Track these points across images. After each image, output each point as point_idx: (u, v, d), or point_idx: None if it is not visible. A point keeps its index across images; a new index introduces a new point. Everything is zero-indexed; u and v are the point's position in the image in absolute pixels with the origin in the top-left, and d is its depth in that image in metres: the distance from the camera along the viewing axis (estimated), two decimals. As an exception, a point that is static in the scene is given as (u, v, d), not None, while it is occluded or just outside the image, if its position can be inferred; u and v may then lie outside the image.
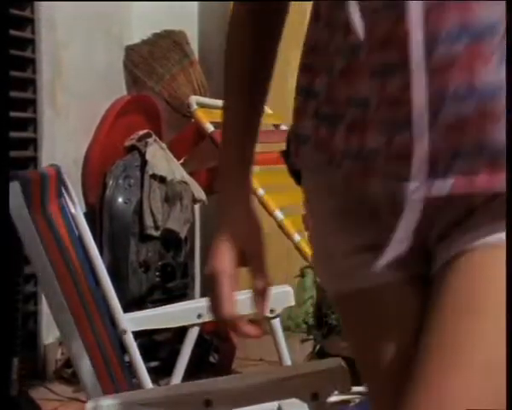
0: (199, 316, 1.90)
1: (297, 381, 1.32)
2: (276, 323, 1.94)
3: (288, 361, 1.94)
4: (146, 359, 1.89)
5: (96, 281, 1.75)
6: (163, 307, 1.98)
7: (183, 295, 3.55)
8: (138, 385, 1.82)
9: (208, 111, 2.74)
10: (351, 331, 1.08)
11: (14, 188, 1.40)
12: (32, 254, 1.41)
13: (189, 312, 1.91)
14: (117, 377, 1.61)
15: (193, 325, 1.90)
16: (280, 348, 1.95)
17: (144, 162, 3.42)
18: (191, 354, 1.92)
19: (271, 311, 1.92)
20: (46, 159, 3.21)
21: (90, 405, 1.37)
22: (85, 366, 1.43)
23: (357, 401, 1.78)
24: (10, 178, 1.40)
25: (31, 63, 3.20)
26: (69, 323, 1.42)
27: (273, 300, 1.95)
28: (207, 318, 1.92)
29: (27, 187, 1.44)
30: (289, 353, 1.96)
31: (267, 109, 3.00)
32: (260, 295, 1.08)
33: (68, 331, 1.42)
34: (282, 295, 1.95)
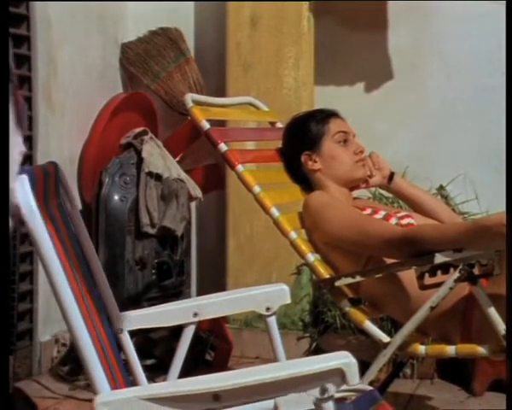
0: (195, 314, 1.89)
1: (307, 375, 1.31)
2: (273, 320, 1.93)
3: (283, 359, 1.94)
4: (142, 357, 1.89)
5: (93, 279, 1.74)
6: (159, 305, 1.97)
7: (179, 293, 3.55)
8: (134, 383, 1.82)
9: (204, 109, 2.73)
10: None
11: (24, 182, 1.38)
12: (42, 249, 1.39)
13: (186, 310, 1.90)
14: (116, 374, 1.60)
15: (189, 324, 1.90)
16: (276, 346, 1.94)
17: (140, 160, 3.42)
18: (187, 352, 1.91)
19: (267, 309, 1.92)
20: (41, 156, 3.20)
21: (99, 399, 1.34)
22: (93, 360, 1.41)
23: (353, 398, 1.78)
24: (19, 172, 1.38)
25: (26, 61, 3.19)
26: (77, 316, 1.40)
27: (269, 297, 1.96)
28: (203, 316, 1.92)
29: (35, 182, 1.43)
30: (285, 350, 1.95)
31: (263, 107, 3.00)
32: None
33: (76, 324, 1.41)
34: (278, 293, 1.95)
